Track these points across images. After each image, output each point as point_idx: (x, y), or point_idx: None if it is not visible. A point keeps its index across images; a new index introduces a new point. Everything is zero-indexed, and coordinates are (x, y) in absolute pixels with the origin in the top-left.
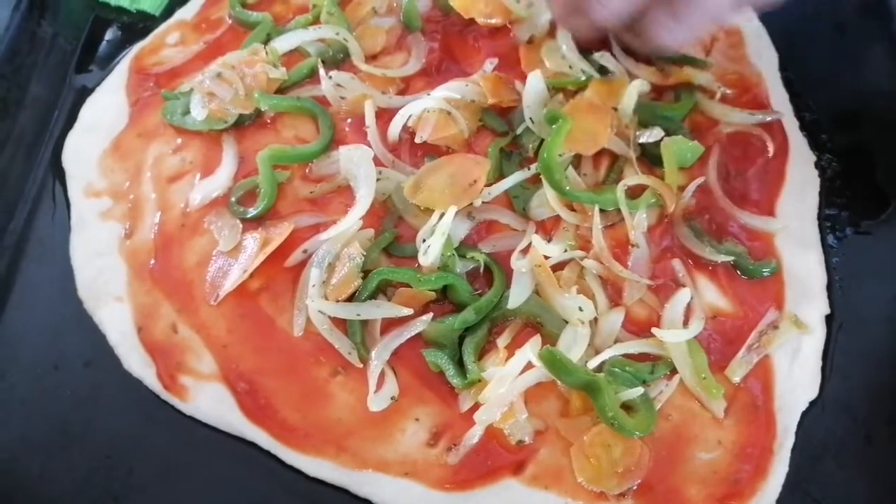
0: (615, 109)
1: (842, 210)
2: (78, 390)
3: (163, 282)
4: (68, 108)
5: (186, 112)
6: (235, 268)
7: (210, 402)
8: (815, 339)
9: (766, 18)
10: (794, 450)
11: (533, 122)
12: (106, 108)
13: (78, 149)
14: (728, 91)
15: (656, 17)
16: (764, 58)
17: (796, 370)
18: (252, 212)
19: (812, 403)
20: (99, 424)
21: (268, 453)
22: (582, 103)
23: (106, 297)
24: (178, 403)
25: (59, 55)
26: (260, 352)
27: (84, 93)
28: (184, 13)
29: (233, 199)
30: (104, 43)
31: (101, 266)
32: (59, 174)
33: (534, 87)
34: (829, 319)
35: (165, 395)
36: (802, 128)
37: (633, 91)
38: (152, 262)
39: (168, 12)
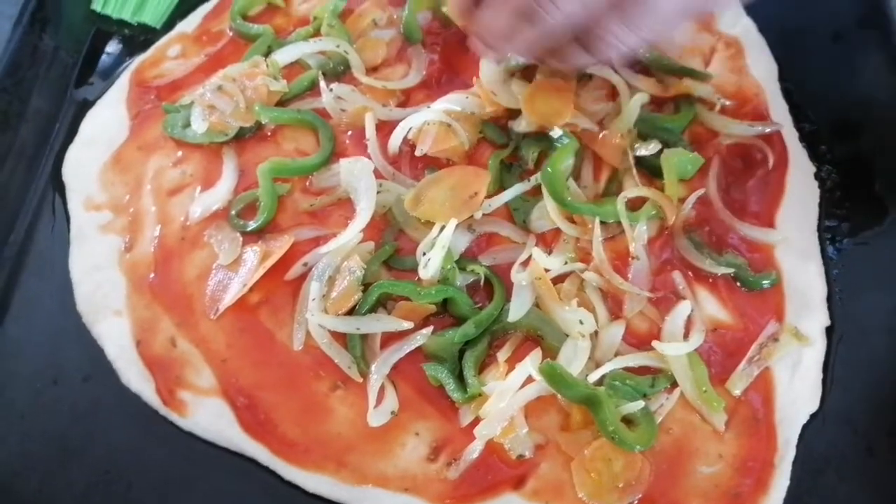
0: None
1: (841, 221)
2: (77, 405)
3: (162, 295)
4: (69, 121)
5: (187, 125)
6: (235, 281)
7: (209, 416)
8: (815, 351)
9: (765, 29)
10: (795, 463)
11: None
12: (106, 121)
13: (78, 162)
14: (727, 102)
15: (607, 25)
16: (763, 69)
17: (797, 382)
18: (252, 225)
19: (813, 416)
20: (98, 439)
21: (267, 469)
22: (543, 83)
23: (105, 310)
24: (176, 419)
25: (60, 68)
26: (259, 366)
27: (85, 106)
28: (185, 26)
29: (233, 212)
30: (105, 56)
31: (100, 279)
32: (59, 187)
33: (487, 74)
34: (829, 331)
35: (164, 410)
36: (802, 139)
37: (636, 104)
38: (152, 275)
39: (169, 25)
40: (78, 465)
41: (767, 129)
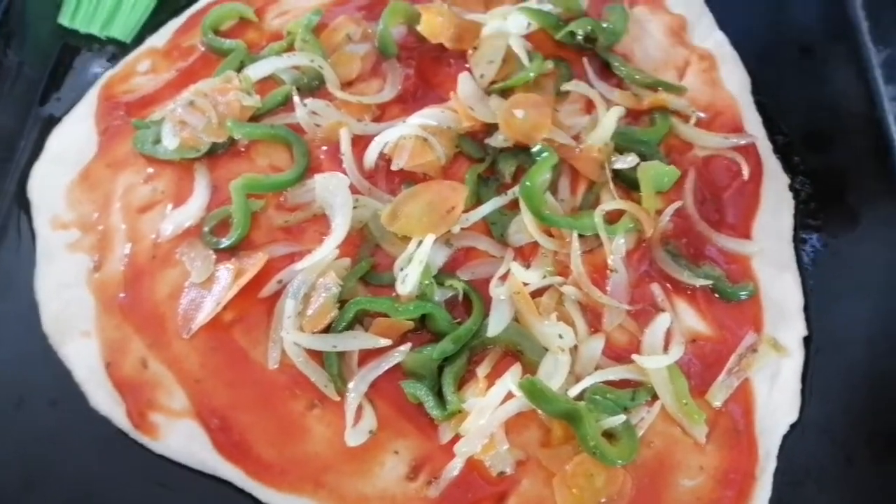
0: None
1: (816, 231)
2: (44, 428)
3: (133, 315)
4: (35, 138)
5: (158, 141)
6: (208, 300)
7: (182, 439)
8: (793, 362)
9: (738, 43)
10: (775, 474)
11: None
12: (74, 137)
13: (44, 179)
14: (702, 115)
15: None
16: (736, 82)
17: (776, 393)
18: (225, 242)
19: (792, 426)
20: (67, 463)
21: (243, 491)
22: (521, 99)
23: (72, 331)
24: (147, 442)
25: (24, 84)
26: (234, 386)
27: (51, 122)
28: (155, 40)
29: (205, 229)
30: (73, 71)
31: (67, 299)
32: (24, 205)
33: (465, 90)
34: (806, 341)
35: (135, 433)
36: (776, 151)
37: (612, 118)
38: (122, 294)
39: (139, 40)
40: (46, 488)
41: (742, 141)
